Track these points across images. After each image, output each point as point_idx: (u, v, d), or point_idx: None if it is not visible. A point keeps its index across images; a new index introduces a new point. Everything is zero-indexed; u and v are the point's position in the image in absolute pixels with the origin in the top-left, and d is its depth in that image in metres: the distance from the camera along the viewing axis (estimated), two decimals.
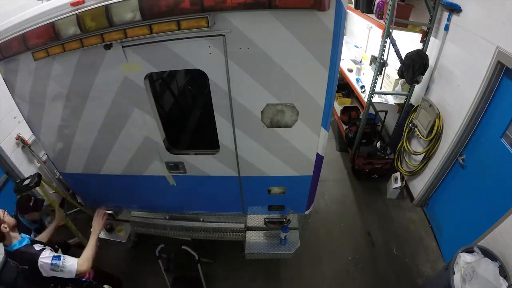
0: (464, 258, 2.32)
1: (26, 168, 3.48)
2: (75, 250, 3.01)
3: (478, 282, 2.13)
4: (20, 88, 1.98)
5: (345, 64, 4.79)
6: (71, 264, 1.93)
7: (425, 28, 3.25)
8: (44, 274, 1.87)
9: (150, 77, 1.94)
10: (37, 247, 1.92)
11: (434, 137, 3.27)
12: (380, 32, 3.34)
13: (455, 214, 3.18)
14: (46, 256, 1.88)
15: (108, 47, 1.66)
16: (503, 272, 2.19)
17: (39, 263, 1.85)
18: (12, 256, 1.92)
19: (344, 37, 3.96)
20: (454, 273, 2.27)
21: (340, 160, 4.77)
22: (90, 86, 1.88)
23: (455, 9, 2.86)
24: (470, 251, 2.39)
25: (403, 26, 3.29)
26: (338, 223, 3.74)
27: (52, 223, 2.55)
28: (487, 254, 2.32)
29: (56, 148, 2.34)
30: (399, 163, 4.04)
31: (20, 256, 1.90)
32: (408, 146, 3.79)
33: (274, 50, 1.62)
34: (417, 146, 3.73)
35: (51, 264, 1.87)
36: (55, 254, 1.94)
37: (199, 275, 2.80)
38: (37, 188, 2.70)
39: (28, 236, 2.02)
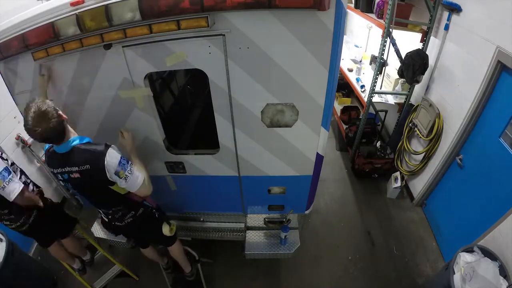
0: (464, 258, 2.32)
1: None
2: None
3: (478, 282, 2.13)
4: (20, 88, 1.97)
5: (345, 63, 4.78)
6: (137, 176, 1.77)
7: (425, 27, 3.25)
8: (108, 176, 1.68)
9: (150, 77, 1.94)
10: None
11: (434, 136, 3.27)
12: (380, 31, 3.34)
13: (454, 214, 3.18)
14: (114, 155, 1.69)
15: (107, 47, 1.66)
16: (503, 272, 2.19)
17: (106, 159, 1.66)
18: (65, 156, 1.69)
19: (344, 36, 3.96)
20: (454, 273, 2.27)
21: (340, 160, 4.77)
22: (89, 86, 1.88)
23: (455, 9, 2.86)
24: (470, 251, 2.39)
25: (403, 25, 3.29)
26: (338, 222, 3.73)
27: None
28: (487, 254, 2.32)
29: None
30: (399, 163, 4.04)
31: (80, 153, 1.68)
32: (408, 145, 3.79)
33: (274, 50, 1.62)
34: (417, 146, 3.73)
35: (119, 163, 1.69)
36: (124, 156, 1.76)
37: (199, 275, 2.81)
38: None
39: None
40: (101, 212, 2.11)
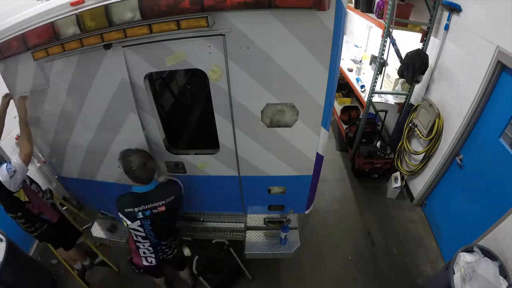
0: (464, 257, 2.32)
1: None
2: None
3: (478, 282, 2.13)
4: (20, 88, 1.97)
5: (345, 63, 4.79)
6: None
7: (425, 27, 3.25)
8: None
9: (150, 77, 1.94)
10: None
11: (434, 136, 3.27)
12: (380, 31, 3.34)
13: (454, 214, 3.18)
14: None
15: (107, 47, 1.66)
16: (503, 272, 2.19)
17: (182, 187, 2.10)
18: (149, 194, 1.97)
19: (344, 36, 3.96)
20: (454, 273, 2.27)
21: (340, 160, 4.77)
22: (89, 86, 1.87)
23: (455, 9, 2.86)
24: (470, 250, 2.39)
25: (403, 25, 3.29)
26: (338, 222, 3.74)
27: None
28: (487, 254, 2.32)
29: (53, 151, 2.34)
30: (399, 163, 4.04)
31: (165, 188, 2.08)
32: (408, 145, 3.79)
33: (274, 50, 1.62)
34: (417, 146, 3.73)
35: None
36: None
37: (237, 262, 2.89)
38: None
39: None
40: (151, 249, 2.17)
